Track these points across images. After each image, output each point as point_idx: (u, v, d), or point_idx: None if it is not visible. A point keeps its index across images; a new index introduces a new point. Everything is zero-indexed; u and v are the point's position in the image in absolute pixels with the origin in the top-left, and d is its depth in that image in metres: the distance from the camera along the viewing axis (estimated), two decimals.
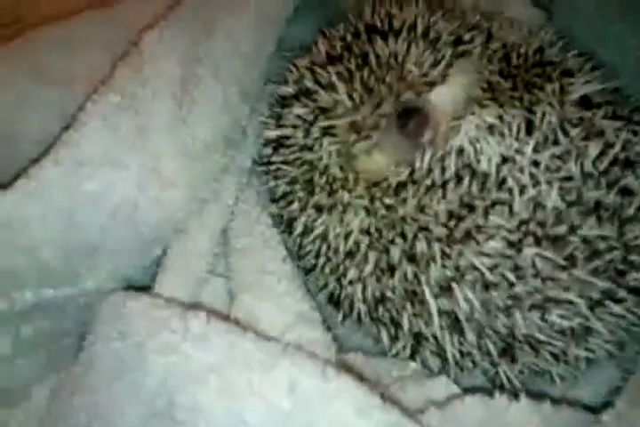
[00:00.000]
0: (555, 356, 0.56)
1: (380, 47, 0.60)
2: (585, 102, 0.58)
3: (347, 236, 0.60)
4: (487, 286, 0.54)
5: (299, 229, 0.63)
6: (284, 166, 0.64)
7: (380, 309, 0.60)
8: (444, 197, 0.56)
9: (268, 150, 0.67)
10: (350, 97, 0.59)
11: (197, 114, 0.62)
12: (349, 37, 0.63)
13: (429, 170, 0.57)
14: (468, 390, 0.56)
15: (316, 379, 0.46)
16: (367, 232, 0.59)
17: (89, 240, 0.57)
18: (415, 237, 0.56)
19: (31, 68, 0.66)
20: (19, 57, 0.67)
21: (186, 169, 0.61)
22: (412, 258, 0.56)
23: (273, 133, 0.65)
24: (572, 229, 0.54)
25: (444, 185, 0.56)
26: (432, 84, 0.60)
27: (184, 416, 0.47)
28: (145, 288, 0.61)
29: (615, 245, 0.54)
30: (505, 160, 0.55)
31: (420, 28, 0.61)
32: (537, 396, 0.50)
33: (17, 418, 0.59)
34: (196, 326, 0.50)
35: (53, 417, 0.56)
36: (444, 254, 0.55)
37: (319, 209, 0.61)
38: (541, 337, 0.55)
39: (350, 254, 0.60)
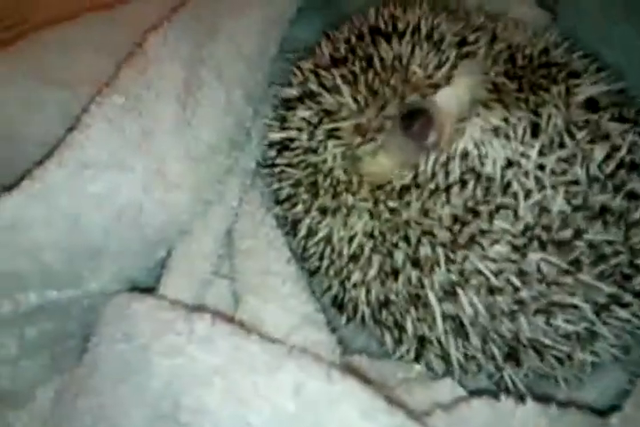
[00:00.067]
0: (559, 360, 0.56)
1: (384, 49, 0.60)
2: (591, 104, 0.58)
3: (351, 239, 0.59)
4: (492, 291, 0.54)
5: (303, 231, 0.63)
6: (288, 169, 0.64)
7: (384, 312, 0.59)
8: (448, 201, 0.55)
9: (272, 153, 0.66)
10: (355, 99, 0.59)
11: (201, 116, 0.62)
12: (353, 40, 0.63)
13: (433, 174, 0.56)
14: (474, 393, 0.56)
15: (321, 382, 0.46)
16: (371, 235, 0.59)
17: (93, 242, 0.57)
18: (419, 241, 0.56)
19: (34, 70, 0.66)
20: (21, 58, 0.67)
21: (190, 171, 0.61)
22: (415, 262, 0.56)
23: (277, 136, 0.65)
24: (578, 234, 0.53)
25: (448, 189, 0.56)
26: (437, 86, 0.60)
27: (189, 418, 0.46)
28: (149, 290, 0.61)
29: (621, 249, 0.54)
30: (510, 164, 0.55)
31: (423, 30, 0.61)
32: (543, 399, 0.50)
33: (21, 420, 0.59)
34: (200, 328, 0.50)
35: (57, 419, 0.56)
36: (449, 259, 0.55)
37: (323, 212, 0.61)
38: (546, 341, 0.55)
39: (354, 258, 0.60)
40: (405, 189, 0.57)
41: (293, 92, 0.65)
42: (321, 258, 0.62)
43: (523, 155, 0.55)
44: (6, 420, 0.58)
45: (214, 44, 0.65)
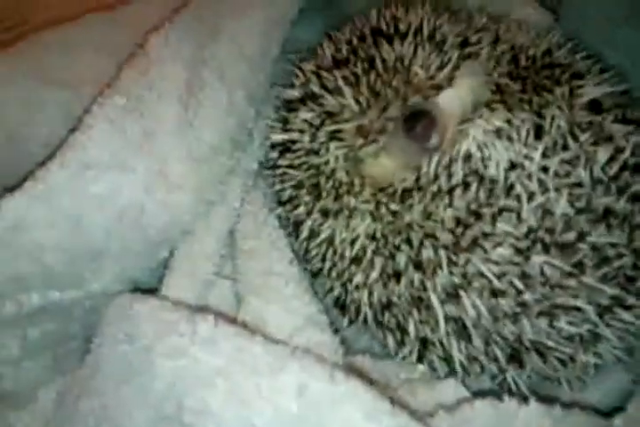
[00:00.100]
0: (562, 362, 0.56)
1: (386, 51, 0.60)
2: (594, 106, 0.58)
3: (353, 241, 0.59)
4: (495, 294, 0.54)
5: (305, 232, 0.63)
6: (290, 170, 0.64)
7: (387, 314, 0.59)
8: (450, 203, 0.55)
9: (275, 154, 0.66)
10: (357, 101, 0.59)
11: (203, 117, 0.62)
12: (355, 41, 0.63)
13: (436, 176, 0.56)
14: (477, 394, 0.56)
15: (324, 383, 0.46)
16: (373, 238, 0.58)
17: (95, 243, 0.57)
18: (421, 243, 0.56)
19: (34, 70, 0.66)
20: (22, 59, 0.67)
21: (192, 172, 0.60)
22: (418, 265, 0.56)
23: (279, 137, 0.65)
24: (581, 236, 0.53)
25: (450, 192, 0.55)
26: (439, 88, 0.59)
27: (193, 420, 0.46)
28: (152, 291, 0.61)
29: (624, 251, 0.54)
30: (513, 166, 0.55)
31: (425, 31, 0.61)
32: (547, 400, 0.50)
33: (23, 421, 0.59)
34: (203, 330, 0.50)
35: (60, 420, 0.56)
36: (451, 262, 0.55)
37: (325, 214, 0.61)
38: (549, 343, 0.55)
39: (356, 260, 0.59)
40: (407, 192, 0.57)
41: (295, 93, 0.65)
42: (323, 260, 0.62)
43: (526, 157, 0.55)
44: (8, 421, 0.58)
45: (216, 45, 0.65)
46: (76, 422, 0.53)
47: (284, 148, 0.65)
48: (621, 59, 0.64)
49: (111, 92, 0.60)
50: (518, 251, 0.53)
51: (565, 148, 0.55)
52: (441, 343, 0.57)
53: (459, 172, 0.55)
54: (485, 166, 0.55)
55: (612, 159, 0.55)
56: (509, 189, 0.54)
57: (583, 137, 0.55)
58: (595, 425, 0.51)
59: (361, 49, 0.62)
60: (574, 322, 0.54)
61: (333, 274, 0.62)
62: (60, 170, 0.55)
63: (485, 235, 0.54)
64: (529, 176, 0.54)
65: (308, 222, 0.62)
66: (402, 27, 0.62)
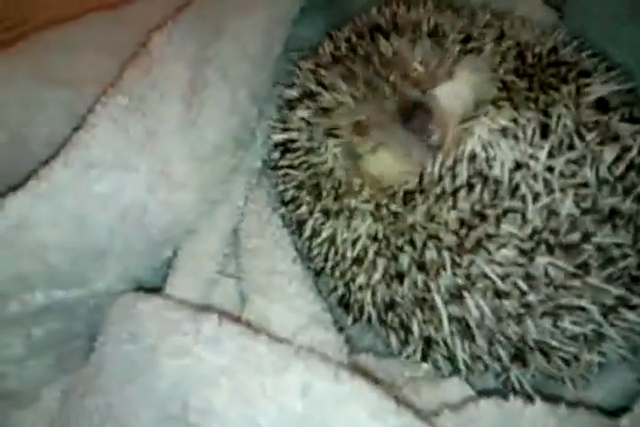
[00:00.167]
0: (566, 361, 0.56)
1: (383, 46, 0.60)
2: (601, 105, 0.57)
3: (354, 241, 0.59)
4: (499, 294, 0.54)
5: (307, 232, 0.63)
6: (291, 171, 0.64)
7: (390, 314, 0.59)
8: (454, 206, 0.54)
9: (276, 154, 0.66)
10: (353, 96, 0.59)
11: (206, 116, 0.62)
12: (354, 38, 0.63)
13: (440, 177, 0.55)
14: (482, 393, 0.56)
15: (329, 382, 0.46)
16: (375, 238, 0.58)
17: (98, 242, 0.57)
18: (424, 245, 0.55)
19: (36, 70, 0.66)
20: (23, 58, 0.66)
21: (196, 171, 0.60)
22: (421, 266, 0.56)
23: (279, 137, 0.65)
24: (586, 237, 0.53)
25: (454, 193, 0.55)
26: (438, 82, 0.59)
27: (197, 419, 0.46)
28: (156, 290, 0.61)
29: (629, 252, 0.53)
30: (518, 166, 0.54)
31: (425, 27, 0.61)
32: (552, 399, 0.50)
33: (28, 419, 0.59)
34: (207, 329, 0.50)
35: (65, 418, 0.56)
36: (455, 263, 0.54)
37: (326, 214, 0.61)
38: (553, 343, 0.54)
39: (358, 260, 0.59)
40: (410, 194, 0.56)
41: (294, 92, 0.65)
42: (325, 259, 0.62)
43: (531, 157, 0.54)
44: (13, 419, 0.59)
45: (219, 44, 0.65)
46: (80, 421, 0.53)
47: (285, 148, 0.65)
48: (626, 57, 0.64)
49: (114, 91, 0.59)
50: (522, 252, 0.53)
51: (571, 147, 0.54)
52: (445, 343, 0.57)
53: (463, 172, 0.54)
54: (490, 167, 0.54)
55: (618, 159, 0.54)
56: (514, 190, 0.53)
57: (589, 136, 0.55)
58: (600, 425, 0.51)
59: (359, 46, 0.62)
60: (578, 322, 0.53)
61: (336, 274, 0.62)
62: (64, 169, 0.55)
63: (489, 236, 0.53)
64: (534, 176, 0.53)
65: (310, 222, 0.62)
66: (401, 23, 0.62)
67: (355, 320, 0.63)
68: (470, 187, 0.54)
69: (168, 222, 0.60)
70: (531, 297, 0.53)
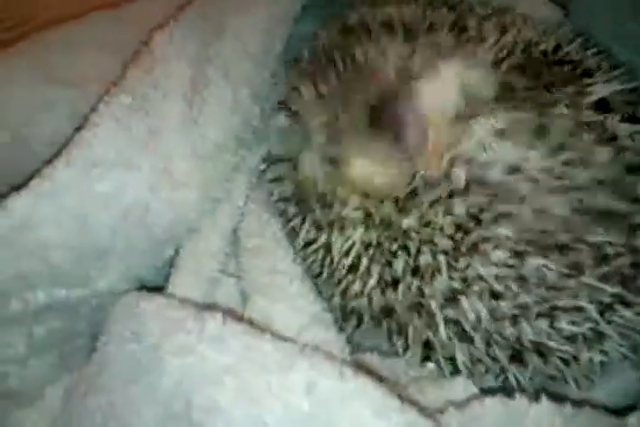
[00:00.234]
0: (565, 361, 0.56)
1: (356, 45, 0.59)
2: (602, 105, 0.56)
3: (348, 250, 0.58)
4: (495, 296, 0.53)
5: (301, 243, 0.63)
6: (276, 183, 0.64)
7: (387, 319, 0.59)
8: (449, 210, 0.54)
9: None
10: (320, 96, 0.58)
11: (208, 114, 0.62)
12: (329, 39, 0.63)
13: (434, 182, 0.55)
14: (487, 392, 0.56)
15: (333, 380, 0.46)
16: (368, 245, 0.57)
17: (100, 242, 0.56)
18: (419, 250, 0.55)
19: (38, 69, 0.65)
20: (25, 58, 0.66)
21: (197, 169, 0.60)
22: (416, 270, 0.55)
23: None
24: (581, 237, 0.52)
25: (450, 197, 0.54)
26: (414, 79, 0.57)
27: (202, 418, 0.46)
28: (158, 289, 0.61)
29: (623, 251, 0.53)
30: (514, 168, 0.53)
31: (409, 22, 0.60)
32: (557, 398, 0.50)
33: (30, 418, 0.59)
34: (211, 327, 0.49)
35: (67, 417, 0.56)
36: (450, 266, 0.54)
37: (318, 225, 0.61)
38: (550, 344, 0.54)
39: (353, 268, 0.59)
40: (402, 200, 0.56)
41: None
42: (321, 267, 0.62)
43: (527, 158, 0.53)
44: (15, 419, 0.58)
45: (221, 43, 0.65)
46: (83, 420, 0.53)
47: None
48: (631, 55, 0.64)
49: (117, 90, 0.59)
50: (517, 253, 0.53)
51: (567, 148, 0.54)
52: (443, 346, 0.57)
53: (459, 176, 0.54)
54: (486, 169, 0.54)
55: (613, 160, 0.54)
56: (510, 192, 0.53)
57: (586, 137, 0.54)
58: (605, 423, 0.50)
59: (330, 46, 0.61)
60: (575, 321, 0.53)
61: (332, 281, 0.61)
62: (67, 168, 0.54)
63: (485, 239, 0.53)
64: (529, 178, 0.53)
65: (303, 233, 0.62)
66: (380, 19, 0.61)
67: (355, 327, 0.63)
68: (465, 191, 0.54)
69: (170, 221, 0.60)
70: (526, 298, 0.53)
